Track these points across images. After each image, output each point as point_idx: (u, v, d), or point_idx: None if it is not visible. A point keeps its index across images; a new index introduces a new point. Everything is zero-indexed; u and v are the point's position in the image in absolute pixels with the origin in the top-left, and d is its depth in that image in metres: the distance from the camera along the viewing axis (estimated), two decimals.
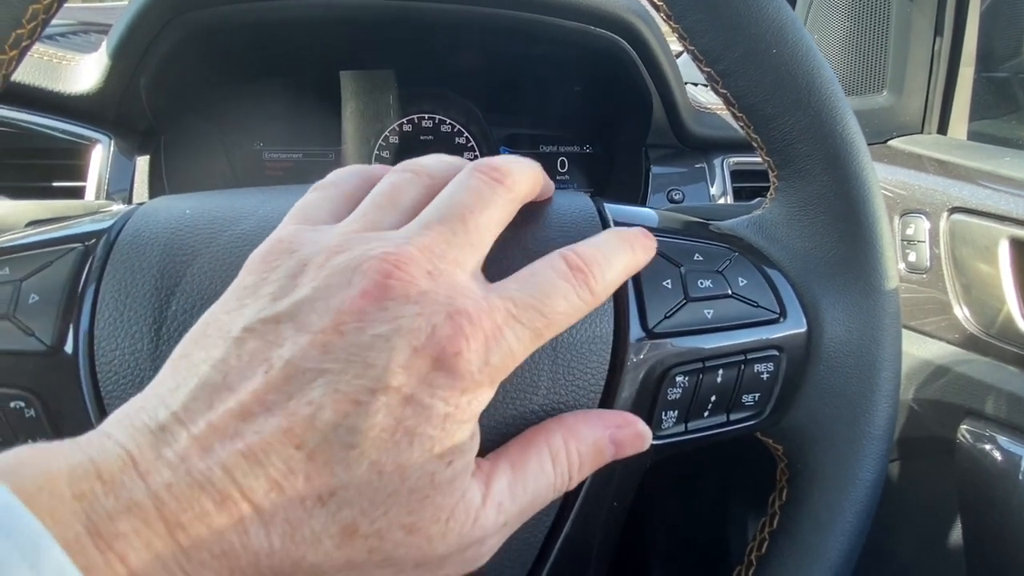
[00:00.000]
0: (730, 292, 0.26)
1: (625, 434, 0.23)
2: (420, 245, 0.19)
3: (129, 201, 0.50)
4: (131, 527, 0.15)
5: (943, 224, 0.46)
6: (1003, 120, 0.60)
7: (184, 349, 0.19)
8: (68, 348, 0.24)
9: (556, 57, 0.62)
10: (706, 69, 0.27)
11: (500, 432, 0.23)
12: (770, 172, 0.28)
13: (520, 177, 0.22)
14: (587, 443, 0.22)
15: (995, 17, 0.57)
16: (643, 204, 0.58)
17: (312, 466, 0.16)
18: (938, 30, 0.56)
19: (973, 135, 0.58)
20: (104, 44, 0.50)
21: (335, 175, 0.24)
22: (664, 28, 0.27)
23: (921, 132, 0.58)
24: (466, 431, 0.18)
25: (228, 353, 0.17)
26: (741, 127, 0.28)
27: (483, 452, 0.20)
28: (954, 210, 0.46)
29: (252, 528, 0.16)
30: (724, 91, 0.27)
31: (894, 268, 0.27)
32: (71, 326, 0.24)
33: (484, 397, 0.19)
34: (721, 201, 0.57)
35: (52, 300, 0.24)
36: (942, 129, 0.58)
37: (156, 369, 0.21)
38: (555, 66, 0.64)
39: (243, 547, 0.15)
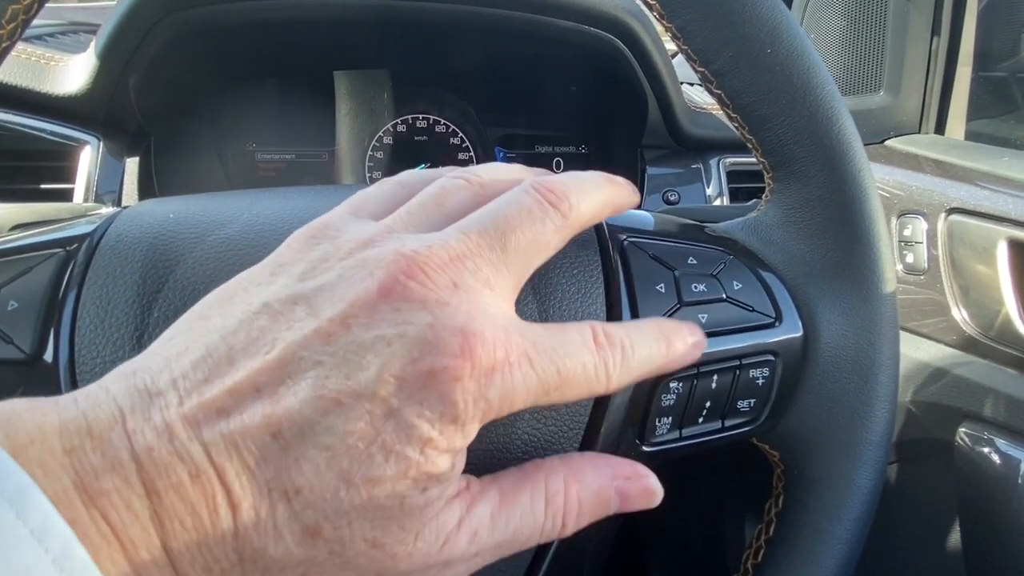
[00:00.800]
0: (725, 296, 0.25)
1: (633, 487, 0.21)
2: (452, 252, 0.18)
3: (118, 203, 0.49)
4: (113, 485, 0.15)
5: (941, 225, 0.46)
6: (1001, 120, 0.60)
7: (207, 308, 0.19)
8: (48, 356, 0.23)
9: (551, 57, 0.62)
10: (700, 69, 0.26)
11: (482, 438, 0.22)
12: (765, 174, 0.28)
13: (580, 201, 0.21)
14: (590, 490, 0.20)
15: (992, 16, 0.56)
16: (639, 205, 0.58)
17: (284, 459, 0.16)
18: (935, 29, 0.56)
19: (971, 135, 0.57)
20: (92, 44, 0.49)
21: (405, 175, 0.24)
22: (660, 27, 0.27)
23: (918, 132, 0.58)
24: (446, 461, 0.17)
25: (240, 326, 0.17)
26: (736, 128, 0.28)
27: (469, 466, 0.20)
28: (952, 211, 0.45)
29: (221, 508, 0.16)
30: (718, 92, 0.26)
31: (891, 271, 0.26)
32: (51, 333, 0.23)
33: (470, 432, 0.18)
34: (717, 202, 0.57)
35: (32, 307, 0.23)
36: (939, 129, 0.58)
37: None
38: (550, 66, 0.63)
39: (212, 524, 0.15)
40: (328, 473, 0.16)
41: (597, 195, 0.22)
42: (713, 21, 0.25)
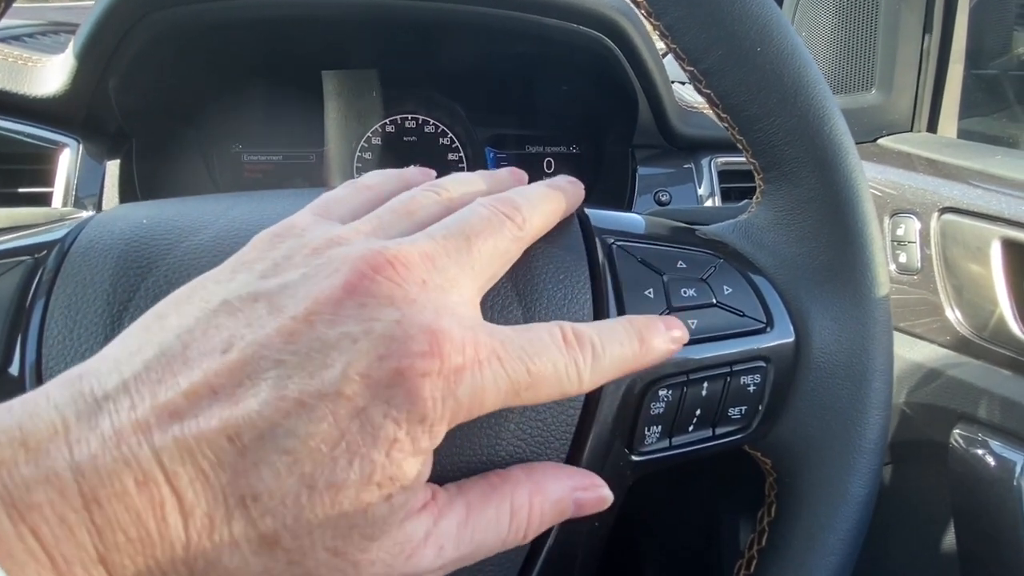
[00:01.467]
0: (715, 301, 0.25)
1: (588, 496, 0.22)
2: (421, 250, 0.18)
3: (99, 208, 0.48)
4: (46, 497, 0.14)
5: (934, 224, 0.46)
6: (993, 118, 0.60)
7: (164, 308, 0.18)
8: (13, 369, 0.22)
9: (541, 56, 0.61)
10: (689, 68, 0.26)
11: (467, 449, 0.21)
12: (756, 175, 0.27)
13: (531, 214, 0.22)
14: (551, 501, 0.21)
15: (984, 14, 0.56)
16: (630, 205, 0.57)
17: (242, 463, 0.15)
18: (927, 27, 0.55)
19: (963, 133, 0.57)
20: (71, 44, 0.48)
21: (370, 176, 0.24)
22: (650, 26, 0.26)
23: (911, 131, 0.58)
24: (413, 466, 0.17)
25: (197, 324, 0.17)
26: (726, 128, 0.27)
27: (443, 468, 0.19)
28: (945, 210, 0.45)
29: (171, 517, 0.15)
30: (707, 91, 0.26)
31: (884, 274, 0.26)
32: (17, 345, 0.22)
33: (438, 433, 0.17)
34: (709, 202, 0.56)
35: None
36: (932, 127, 0.57)
37: None
38: (540, 65, 0.63)
39: (159, 535, 0.15)
40: (289, 479, 0.15)
41: (546, 206, 0.23)
42: (701, 19, 0.24)
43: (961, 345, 0.44)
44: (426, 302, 0.17)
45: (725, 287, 0.25)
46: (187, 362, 0.16)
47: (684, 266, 0.25)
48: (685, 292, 0.25)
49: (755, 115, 0.25)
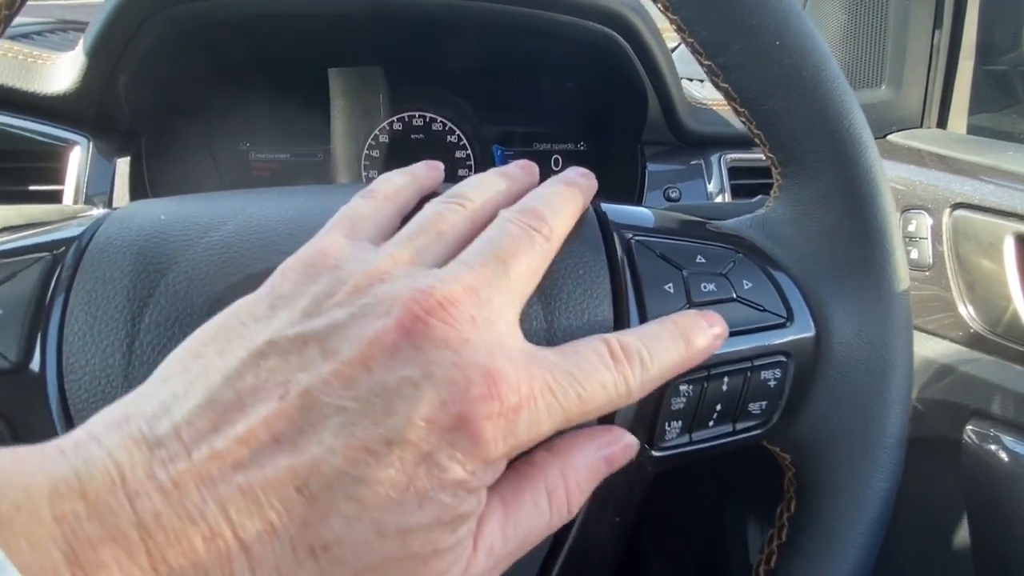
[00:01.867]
0: (735, 296, 0.25)
1: (615, 450, 0.22)
2: (465, 285, 0.18)
3: (109, 205, 0.48)
4: (113, 558, 0.14)
5: (946, 220, 0.45)
6: (1003, 113, 0.60)
7: (201, 346, 0.18)
8: (35, 365, 0.22)
9: (549, 53, 0.61)
10: (706, 63, 0.26)
11: None
12: (773, 169, 0.27)
13: (556, 222, 0.22)
14: (583, 471, 0.21)
15: (994, 9, 0.56)
16: (639, 202, 0.57)
17: (311, 512, 0.15)
18: (937, 22, 0.55)
19: (973, 129, 0.57)
20: (81, 42, 0.48)
21: (384, 184, 0.23)
22: (659, 22, 0.26)
23: (921, 126, 0.57)
24: (474, 501, 0.17)
25: (245, 367, 0.16)
26: (743, 123, 0.27)
27: None
28: (957, 206, 0.45)
29: (238, 570, 0.14)
30: (725, 85, 0.26)
31: (904, 269, 0.26)
32: (38, 341, 0.22)
33: (499, 469, 0.18)
34: (718, 199, 0.56)
35: (17, 314, 0.23)
36: (942, 123, 0.57)
37: (129, 386, 0.20)
38: (548, 62, 0.63)
39: None
40: (359, 526, 0.15)
41: (567, 209, 0.23)
42: (719, 12, 0.24)
43: (974, 341, 0.44)
44: (478, 340, 0.17)
45: (745, 282, 0.25)
46: (242, 408, 0.16)
47: (703, 261, 0.25)
48: (705, 287, 0.24)
49: (773, 109, 0.25)
